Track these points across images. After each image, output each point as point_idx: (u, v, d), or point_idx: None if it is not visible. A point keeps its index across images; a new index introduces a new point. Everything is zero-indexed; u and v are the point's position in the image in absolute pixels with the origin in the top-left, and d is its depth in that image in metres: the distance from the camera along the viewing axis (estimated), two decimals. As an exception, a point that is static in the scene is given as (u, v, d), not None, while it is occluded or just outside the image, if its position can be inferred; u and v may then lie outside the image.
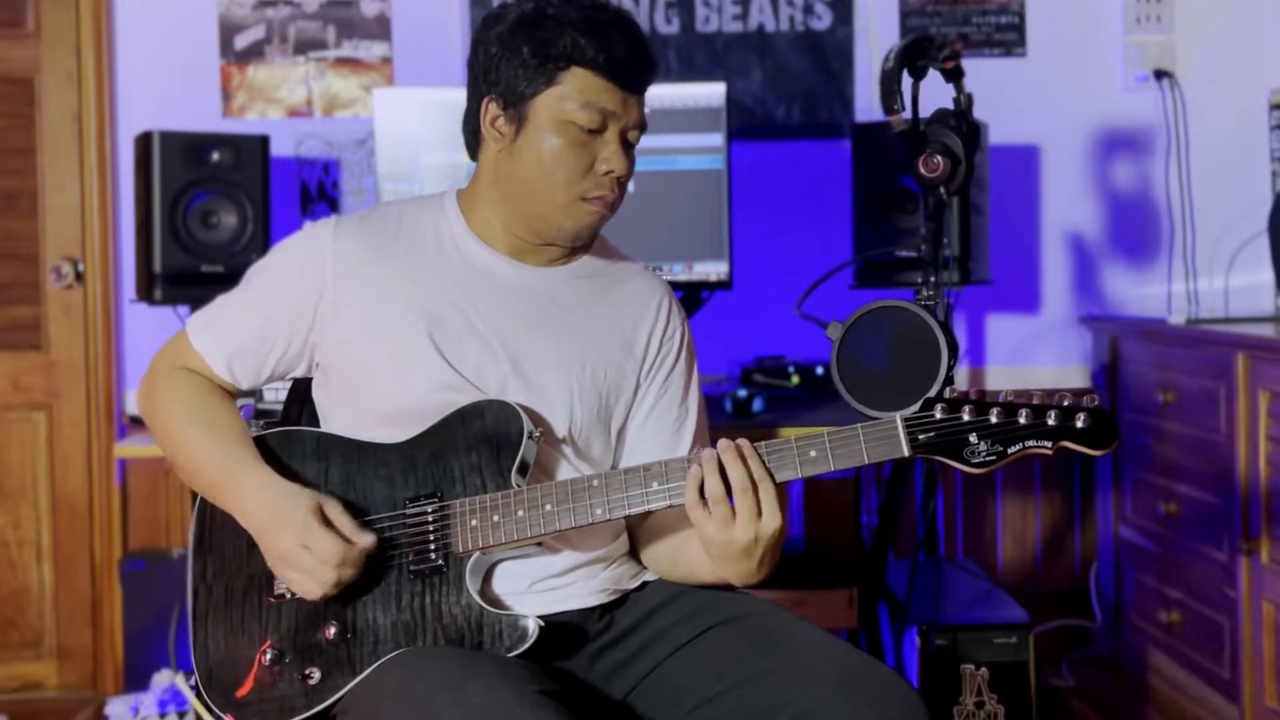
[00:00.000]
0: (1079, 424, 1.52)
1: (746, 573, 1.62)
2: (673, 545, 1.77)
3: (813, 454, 1.58)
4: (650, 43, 1.73)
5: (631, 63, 1.68)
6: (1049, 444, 1.53)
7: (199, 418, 1.74)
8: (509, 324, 1.73)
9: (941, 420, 1.55)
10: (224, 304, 1.80)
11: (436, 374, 1.69)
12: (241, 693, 1.66)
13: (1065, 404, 1.53)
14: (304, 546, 1.60)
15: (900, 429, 1.56)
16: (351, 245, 1.72)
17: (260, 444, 1.72)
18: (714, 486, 1.56)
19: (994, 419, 1.53)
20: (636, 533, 1.84)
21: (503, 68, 1.68)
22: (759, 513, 1.57)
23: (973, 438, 1.54)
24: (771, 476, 1.58)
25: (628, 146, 1.72)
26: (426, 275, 1.73)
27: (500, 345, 1.72)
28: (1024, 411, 1.53)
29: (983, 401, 1.54)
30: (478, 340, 1.71)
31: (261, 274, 1.79)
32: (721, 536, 1.57)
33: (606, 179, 1.70)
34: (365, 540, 1.63)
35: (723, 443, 1.59)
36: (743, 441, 1.59)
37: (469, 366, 1.70)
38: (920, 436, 1.56)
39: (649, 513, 1.67)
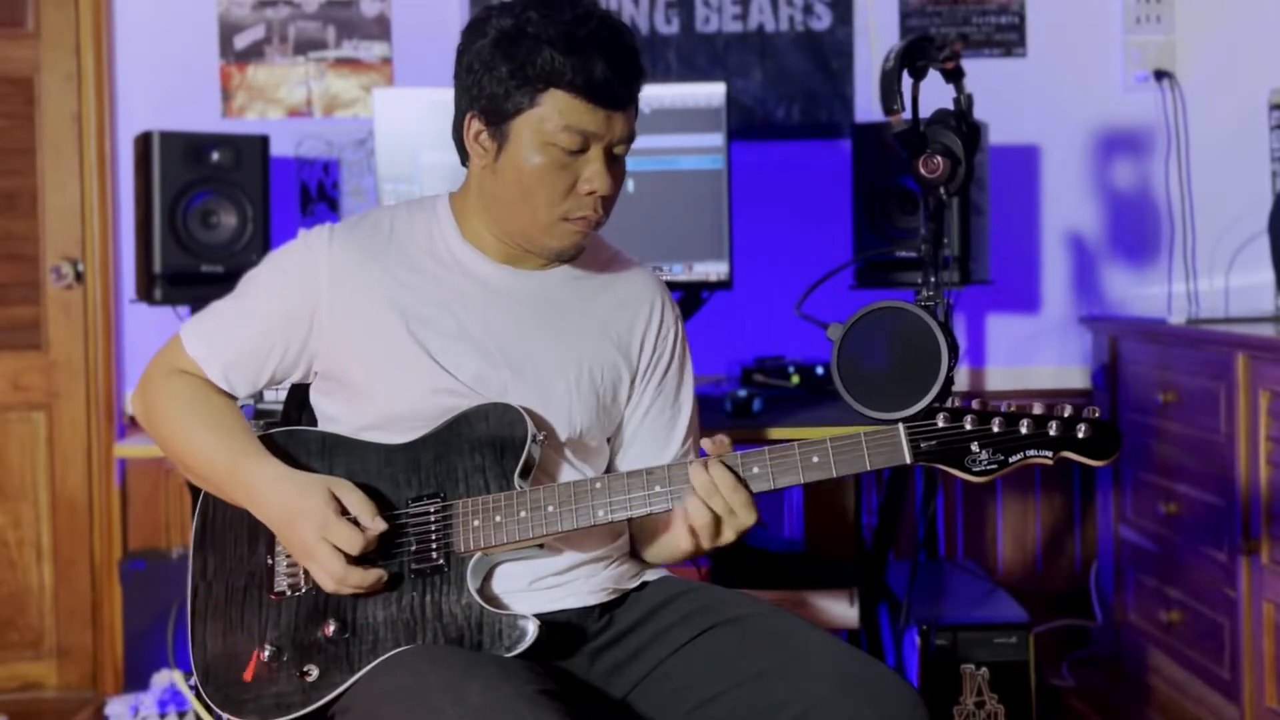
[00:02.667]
0: (1080, 434, 1.53)
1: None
2: (666, 538, 1.79)
3: (815, 460, 1.59)
4: (640, 49, 1.68)
5: (613, 82, 1.63)
6: (1050, 454, 1.54)
7: (203, 415, 1.74)
8: (505, 328, 1.73)
9: (944, 429, 1.56)
10: (219, 312, 1.79)
11: (433, 379, 1.69)
12: (246, 677, 1.67)
13: (1066, 414, 1.54)
14: (323, 539, 1.61)
15: (903, 436, 1.57)
16: (346, 253, 1.72)
17: (266, 442, 1.72)
18: (701, 517, 1.61)
19: (995, 428, 1.55)
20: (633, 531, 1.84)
21: (484, 84, 1.65)
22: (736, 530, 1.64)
23: (974, 446, 1.55)
24: (750, 499, 1.62)
25: (614, 160, 1.69)
26: (421, 282, 1.73)
27: (498, 350, 1.72)
28: (1025, 421, 1.54)
29: (985, 411, 1.56)
30: (474, 346, 1.71)
31: (256, 282, 1.78)
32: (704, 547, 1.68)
33: (589, 199, 1.67)
34: (378, 527, 1.63)
35: (704, 475, 1.61)
36: (720, 471, 1.61)
37: (466, 371, 1.70)
38: (923, 444, 1.56)
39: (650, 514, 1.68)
